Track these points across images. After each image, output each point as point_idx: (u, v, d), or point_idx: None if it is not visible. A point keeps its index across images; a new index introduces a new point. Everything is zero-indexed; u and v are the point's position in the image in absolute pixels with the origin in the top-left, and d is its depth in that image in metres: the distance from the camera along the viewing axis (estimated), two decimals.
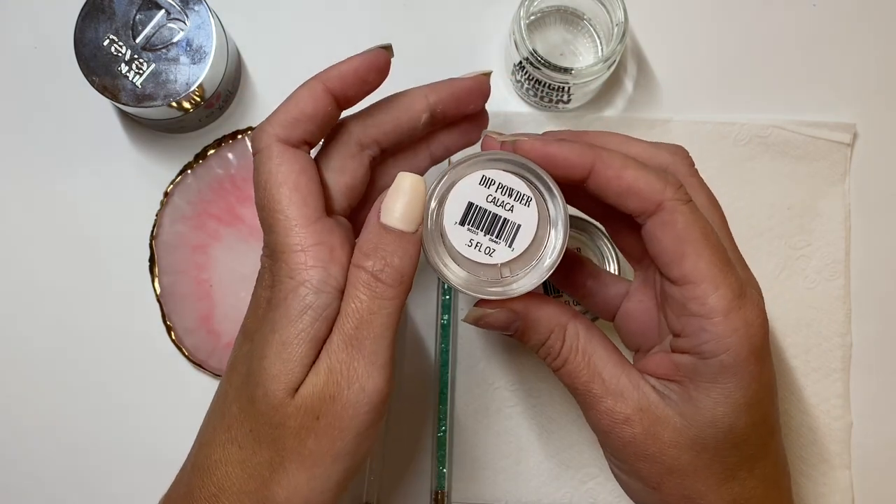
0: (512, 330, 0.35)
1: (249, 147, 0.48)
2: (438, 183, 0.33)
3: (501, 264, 0.33)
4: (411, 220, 0.32)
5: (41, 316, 0.48)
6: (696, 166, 0.35)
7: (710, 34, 0.49)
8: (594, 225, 0.43)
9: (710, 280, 0.31)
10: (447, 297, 0.47)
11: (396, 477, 0.47)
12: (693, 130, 0.48)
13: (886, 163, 0.49)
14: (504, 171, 0.33)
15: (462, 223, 0.33)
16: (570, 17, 0.48)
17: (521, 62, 0.44)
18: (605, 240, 0.43)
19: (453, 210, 0.33)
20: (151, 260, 0.48)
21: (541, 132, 0.39)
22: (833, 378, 0.47)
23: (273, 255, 0.33)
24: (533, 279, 0.33)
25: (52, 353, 0.48)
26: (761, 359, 0.32)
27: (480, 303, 0.34)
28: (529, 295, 0.33)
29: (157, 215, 0.48)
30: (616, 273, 0.43)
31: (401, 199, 0.32)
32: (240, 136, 0.48)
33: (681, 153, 0.35)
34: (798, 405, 0.47)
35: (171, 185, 0.48)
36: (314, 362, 0.32)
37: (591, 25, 0.47)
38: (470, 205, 0.33)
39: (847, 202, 0.48)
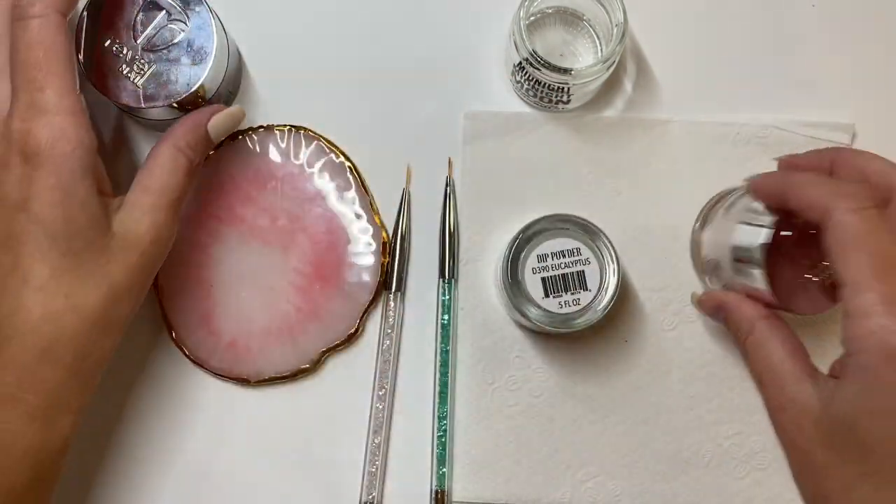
0: (720, 319, 0.43)
1: (250, 147, 0.48)
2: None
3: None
4: None
5: None
6: None
7: (710, 34, 0.49)
8: (594, 226, 0.43)
9: (860, 282, 0.33)
10: (447, 297, 0.47)
11: (396, 477, 0.47)
12: (693, 131, 0.48)
13: None
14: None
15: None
16: (570, 18, 0.48)
17: (520, 63, 0.44)
18: (605, 241, 0.43)
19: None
20: None
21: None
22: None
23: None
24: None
25: None
26: None
27: (706, 292, 0.44)
28: (736, 294, 0.41)
29: None
30: (616, 276, 0.43)
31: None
32: (240, 137, 0.48)
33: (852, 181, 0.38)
34: None
35: None
36: None
37: (590, 26, 0.47)
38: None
39: None
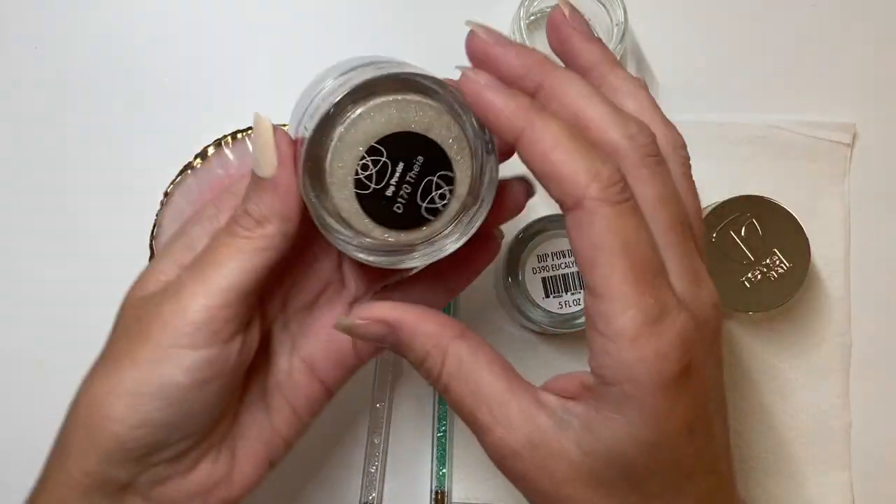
0: (388, 344, 0.31)
1: (250, 147, 0.48)
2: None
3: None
4: (265, 165, 0.30)
5: (41, 316, 0.48)
6: (654, 151, 0.29)
7: (710, 34, 0.49)
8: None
9: (620, 298, 0.27)
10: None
11: (396, 477, 0.47)
12: (693, 130, 0.48)
13: (886, 163, 0.49)
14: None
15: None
16: None
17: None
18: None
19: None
20: (151, 260, 0.48)
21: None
22: (832, 378, 0.47)
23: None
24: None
25: (51, 352, 0.48)
26: (674, 395, 0.27)
27: (356, 311, 0.31)
28: (410, 309, 0.31)
29: (157, 215, 0.48)
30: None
31: (256, 144, 0.31)
32: (240, 136, 0.48)
33: (641, 135, 0.29)
34: (797, 405, 0.47)
35: (172, 185, 0.48)
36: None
37: (590, 26, 0.47)
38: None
39: (847, 202, 0.48)
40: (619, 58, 0.44)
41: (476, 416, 0.30)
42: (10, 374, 0.48)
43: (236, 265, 0.30)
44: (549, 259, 0.43)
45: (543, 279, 0.43)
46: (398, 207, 0.29)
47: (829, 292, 0.48)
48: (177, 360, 0.30)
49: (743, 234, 0.44)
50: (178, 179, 0.48)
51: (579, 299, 0.43)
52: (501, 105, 0.28)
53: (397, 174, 0.29)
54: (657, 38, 0.49)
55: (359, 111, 0.28)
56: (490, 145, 0.29)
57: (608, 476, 0.28)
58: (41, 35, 0.49)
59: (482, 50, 0.31)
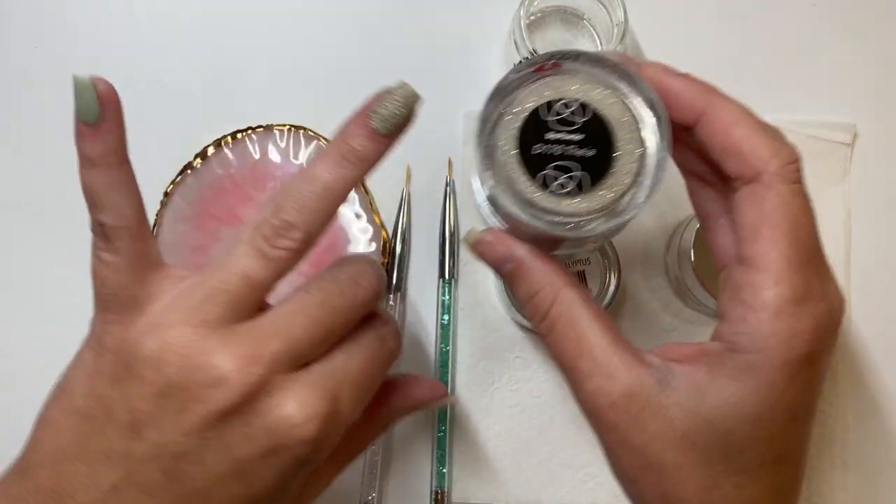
0: (504, 271, 0.32)
1: (249, 147, 0.48)
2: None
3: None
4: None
5: (41, 315, 0.48)
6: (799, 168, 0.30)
7: (710, 34, 0.49)
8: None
9: (774, 271, 0.28)
10: (447, 297, 0.47)
11: (396, 477, 0.47)
12: None
13: (886, 163, 0.49)
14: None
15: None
16: (570, 17, 0.48)
17: (521, 62, 0.44)
18: (606, 241, 0.43)
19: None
20: None
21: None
22: (832, 378, 0.47)
23: None
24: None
25: (52, 352, 0.48)
26: (794, 377, 0.28)
27: (487, 232, 0.32)
28: (532, 249, 0.31)
29: (157, 215, 0.48)
30: (616, 277, 0.43)
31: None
32: (240, 136, 0.48)
33: (792, 152, 0.30)
34: None
35: (172, 185, 0.48)
36: None
37: (590, 25, 0.47)
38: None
39: (847, 202, 0.48)
40: None
41: (576, 362, 0.30)
42: (9, 374, 0.48)
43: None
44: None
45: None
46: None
47: None
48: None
49: None
50: (178, 179, 0.48)
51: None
52: (682, 87, 0.30)
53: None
54: (657, 38, 0.49)
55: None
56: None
57: (702, 441, 0.29)
58: (41, 35, 0.49)
59: (657, 78, 0.31)
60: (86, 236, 0.48)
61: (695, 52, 0.49)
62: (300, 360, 0.30)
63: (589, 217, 0.29)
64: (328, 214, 0.31)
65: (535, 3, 0.45)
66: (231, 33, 0.49)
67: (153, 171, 0.48)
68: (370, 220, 0.47)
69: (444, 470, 0.46)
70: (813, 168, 0.47)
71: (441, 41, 0.49)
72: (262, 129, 0.48)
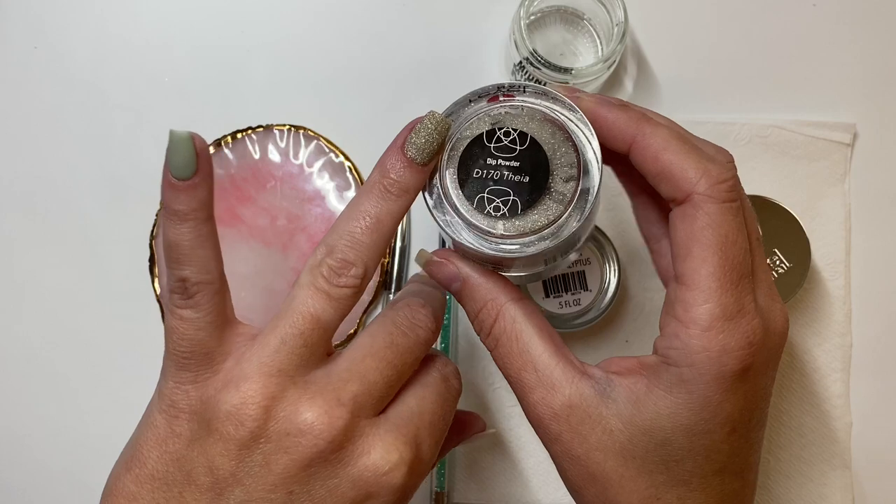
0: (453, 290, 0.33)
1: (249, 147, 0.48)
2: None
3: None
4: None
5: (41, 315, 0.48)
6: (737, 178, 0.31)
7: (710, 34, 0.49)
8: (599, 230, 0.43)
9: (703, 289, 0.29)
10: (446, 296, 0.47)
11: None
12: (693, 130, 0.47)
13: (886, 163, 0.49)
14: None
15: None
16: (570, 17, 0.48)
17: (521, 62, 0.44)
18: (606, 241, 0.43)
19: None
20: (151, 260, 0.48)
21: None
22: (833, 378, 0.47)
23: None
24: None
25: (52, 352, 0.48)
26: (729, 391, 0.29)
27: (436, 251, 0.33)
28: (478, 267, 0.32)
29: (157, 215, 0.48)
30: (616, 276, 0.43)
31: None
32: (240, 136, 0.48)
33: (727, 163, 0.31)
34: (798, 405, 0.47)
35: None
36: None
37: (591, 25, 0.47)
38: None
39: (847, 202, 0.48)
40: (619, 57, 0.44)
41: (521, 374, 0.31)
42: (9, 373, 0.48)
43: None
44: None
45: (543, 280, 0.43)
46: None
47: (830, 292, 0.47)
48: None
49: None
50: None
51: (579, 299, 0.43)
52: (614, 117, 0.31)
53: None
54: (657, 38, 0.49)
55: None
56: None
57: (641, 450, 0.30)
58: (41, 35, 0.49)
59: (591, 108, 0.32)
60: (85, 236, 0.49)
61: (695, 52, 0.49)
62: (379, 405, 0.30)
63: (524, 238, 0.30)
64: (382, 248, 0.31)
65: (535, 3, 0.45)
66: (231, 33, 0.49)
67: (153, 171, 0.48)
68: None
69: (444, 471, 0.46)
70: (813, 168, 0.48)
71: (441, 41, 0.49)
72: (262, 129, 0.48)
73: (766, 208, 0.44)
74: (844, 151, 0.48)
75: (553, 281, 0.43)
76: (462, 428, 0.37)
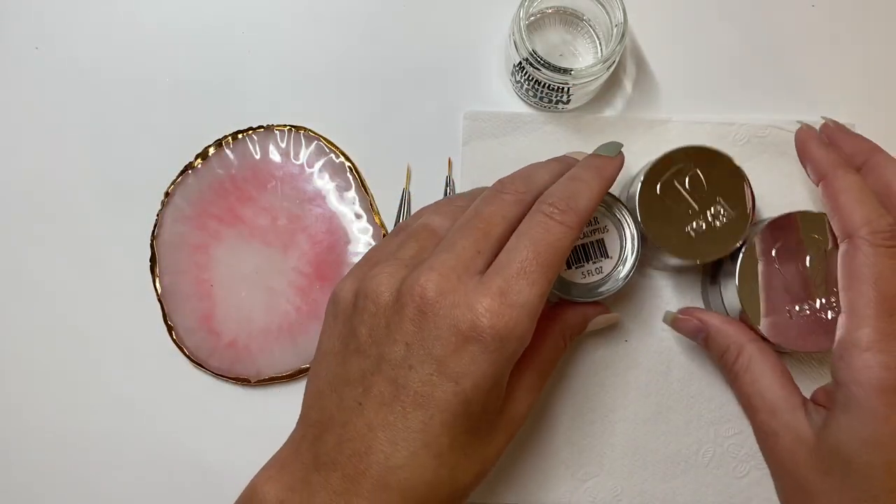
0: (699, 339, 0.42)
1: (250, 147, 0.48)
2: None
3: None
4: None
5: (42, 315, 0.48)
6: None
7: (710, 34, 0.49)
8: (608, 194, 0.43)
9: (862, 316, 0.34)
10: None
11: None
12: (692, 130, 0.48)
13: None
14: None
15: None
16: (570, 18, 0.48)
17: (520, 63, 0.44)
18: (620, 206, 0.43)
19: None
20: (152, 260, 0.48)
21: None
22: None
23: None
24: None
25: (52, 352, 0.48)
26: (891, 404, 0.33)
27: (679, 310, 0.44)
28: (717, 315, 0.42)
29: (157, 215, 0.48)
30: (635, 241, 0.43)
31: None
32: (240, 136, 0.48)
33: (889, 215, 0.37)
34: None
35: (172, 185, 0.48)
36: None
37: (590, 26, 0.47)
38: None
39: None
40: (618, 58, 0.44)
41: (752, 400, 0.40)
42: (9, 373, 0.48)
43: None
44: None
45: None
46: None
47: None
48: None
49: (687, 184, 0.44)
50: (178, 179, 0.48)
51: (601, 267, 0.43)
52: (819, 155, 0.40)
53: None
54: (656, 38, 0.49)
55: None
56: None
57: (834, 466, 0.35)
58: (41, 35, 0.49)
59: (827, 136, 0.43)
60: (85, 236, 0.49)
61: (694, 52, 0.49)
62: (473, 267, 0.34)
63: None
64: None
65: (535, 3, 0.44)
66: (231, 33, 0.49)
67: (154, 171, 0.48)
68: (370, 221, 0.48)
69: None
70: None
71: (441, 41, 0.49)
72: (262, 129, 0.48)
73: (709, 158, 0.44)
74: None
75: (574, 252, 0.43)
76: (571, 309, 0.43)
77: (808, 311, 0.42)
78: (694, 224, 0.43)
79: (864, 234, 0.35)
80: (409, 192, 0.48)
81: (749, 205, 0.43)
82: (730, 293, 0.43)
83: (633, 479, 0.46)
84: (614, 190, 0.47)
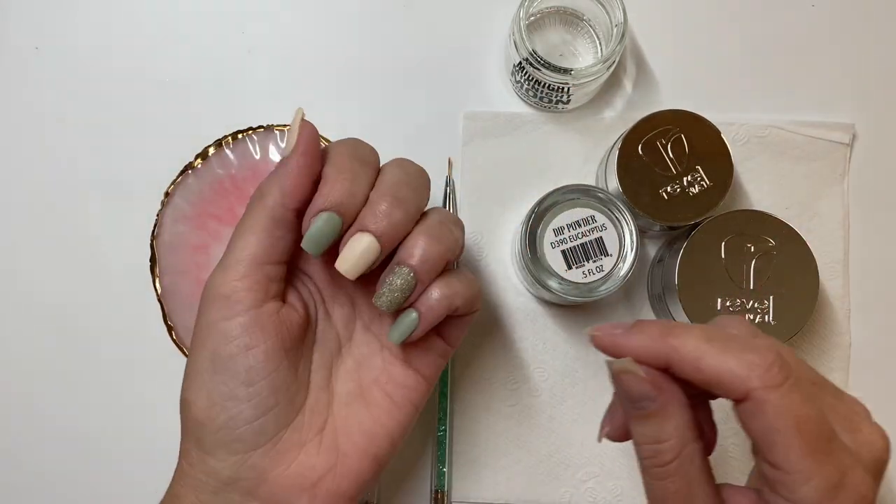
0: (640, 406, 0.32)
1: (250, 147, 0.48)
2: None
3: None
4: (287, 145, 0.35)
5: (42, 316, 0.48)
6: (782, 366, 0.30)
7: (710, 34, 0.49)
8: (605, 192, 0.43)
9: (800, 471, 0.29)
10: None
11: (396, 477, 0.47)
12: None
13: (885, 163, 0.49)
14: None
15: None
16: (570, 18, 0.48)
17: (520, 63, 0.44)
18: (617, 205, 0.43)
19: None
20: (152, 260, 0.48)
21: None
22: (832, 378, 0.47)
23: None
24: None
25: (53, 352, 0.48)
26: None
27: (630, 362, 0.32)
28: (681, 391, 0.32)
29: (157, 215, 0.48)
30: (633, 237, 0.43)
31: (289, 129, 0.37)
32: (240, 136, 0.48)
33: (755, 341, 0.31)
34: None
35: (172, 185, 0.48)
36: None
37: (590, 26, 0.48)
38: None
39: (846, 202, 0.48)
40: (618, 58, 0.44)
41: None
42: (10, 373, 0.48)
43: (247, 237, 0.35)
44: (566, 231, 0.43)
45: (563, 252, 0.43)
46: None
47: (829, 292, 0.48)
48: (217, 332, 0.34)
49: (670, 147, 0.44)
50: (178, 179, 0.48)
51: (602, 265, 0.43)
52: (637, 344, 0.31)
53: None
54: (657, 38, 0.49)
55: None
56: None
57: None
58: (41, 35, 0.49)
59: (609, 344, 0.32)
60: (85, 236, 0.49)
61: (694, 52, 0.49)
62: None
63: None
64: None
65: (535, 3, 0.45)
66: (231, 33, 0.49)
67: (153, 171, 0.48)
68: None
69: (444, 470, 0.46)
70: (811, 168, 0.48)
71: (441, 41, 0.49)
72: (262, 129, 0.48)
73: (696, 125, 0.44)
74: (843, 151, 0.48)
75: (573, 252, 0.43)
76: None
77: (738, 309, 0.43)
78: (669, 188, 0.43)
79: (757, 385, 0.29)
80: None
81: (729, 178, 0.43)
82: (668, 270, 0.44)
83: (633, 479, 0.46)
84: (598, 152, 0.47)
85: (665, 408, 0.31)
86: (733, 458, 0.46)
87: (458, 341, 0.39)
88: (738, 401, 0.30)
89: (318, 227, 0.34)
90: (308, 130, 0.35)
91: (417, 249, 0.34)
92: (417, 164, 0.37)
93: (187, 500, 0.35)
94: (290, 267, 0.37)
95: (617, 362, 0.31)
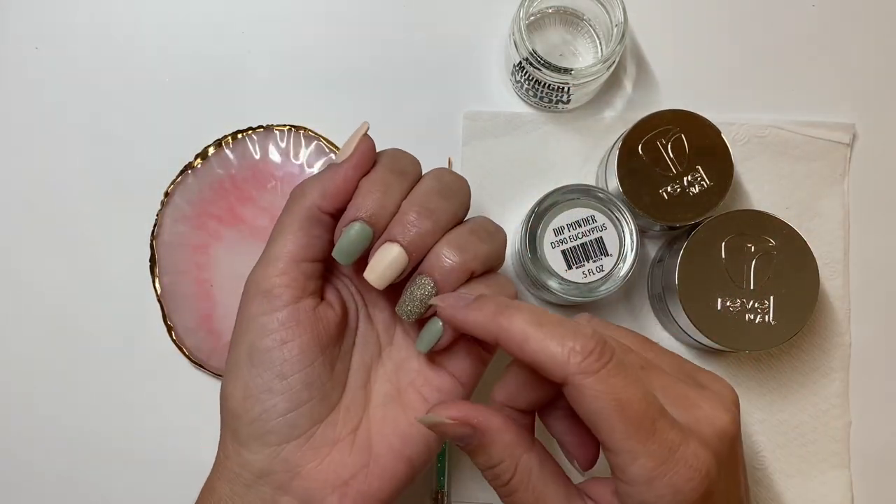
0: (463, 444, 0.33)
1: (250, 147, 0.48)
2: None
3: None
4: (341, 153, 0.36)
5: (42, 315, 0.48)
6: (600, 345, 0.30)
7: (710, 35, 0.49)
8: (604, 192, 0.43)
9: (627, 451, 0.29)
10: None
11: None
12: None
13: (886, 163, 0.49)
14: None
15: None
16: (570, 18, 0.48)
17: (520, 63, 0.44)
18: (617, 204, 0.43)
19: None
20: (152, 260, 0.48)
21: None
22: (832, 378, 0.47)
23: None
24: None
25: (52, 352, 0.48)
26: None
27: (437, 410, 0.33)
28: (493, 416, 0.33)
29: (157, 215, 0.48)
30: (633, 237, 0.43)
31: (349, 137, 0.37)
32: (240, 136, 0.48)
33: (581, 327, 0.31)
34: (797, 405, 0.47)
35: (172, 185, 0.48)
36: None
37: (590, 26, 0.48)
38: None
39: (846, 202, 0.48)
40: (618, 58, 0.44)
41: None
42: (10, 373, 0.48)
43: (286, 235, 0.35)
44: (566, 231, 0.43)
45: (563, 252, 0.43)
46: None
47: (829, 292, 0.48)
48: (257, 325, 0.35)
49: (670, 147, 0.44)
50: (178, 179, 0.48)
51: (602, 265, 0.43)
52: (473, 319, 0.32)
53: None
54: (657, 38, 0.49)
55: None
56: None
57: None
58: (41, 35, 0.49)
59: (448, 316, 0.34)
60: (85, 236, 0.49)
61: (694, 52, 0.49)
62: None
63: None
64: None
65: (535, 3, 0.45)
66: (231, 33, 0.49)
67: (153, 171, 0.48)
68: None
69: (445, 470, 0.46)
70: (811, 168, 0.48)
71: (441, 41, 0.49)
72: (262, 129, 0.48)
73: (697, 126, 0.44)
74: (843, 151, 0.48)
75: (573, 252, 0.43)
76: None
77: (738, 309, 0.43)
78: (669, 188, 0.43)
79: (575, 370, 0.29)
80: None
81: (728, 179, 0.43)
82: (668, 270, 0.44)
83: None
84: (598, 152, 0.47)
85: (485, 437, 0.32)
86: None
87: (496, 347, 0.37)
88: (561, 384, 0.30)
89: (348, 237, 0.34)
90: (366, 145, 0.36)
91: (439, 260, 0.35)
92: (455, 174, 0.37)
93: (222, 492, 0.35)
94: (331, 267, 0.38)
95: (424, 419, 0.33)
